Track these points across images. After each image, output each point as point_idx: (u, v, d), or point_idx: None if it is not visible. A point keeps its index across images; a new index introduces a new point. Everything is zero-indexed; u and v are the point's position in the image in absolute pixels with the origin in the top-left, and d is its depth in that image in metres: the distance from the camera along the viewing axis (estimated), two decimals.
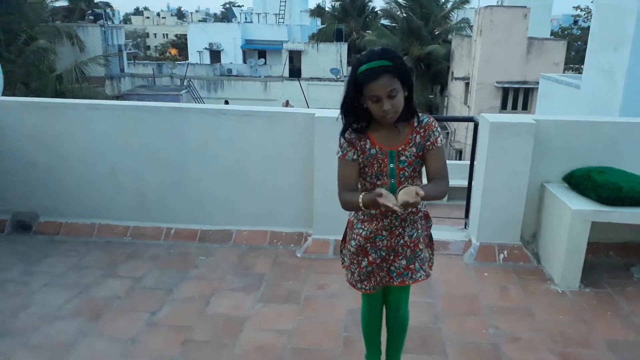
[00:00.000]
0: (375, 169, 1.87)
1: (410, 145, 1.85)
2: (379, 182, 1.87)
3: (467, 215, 3.93)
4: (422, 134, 1.86)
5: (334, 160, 3.44)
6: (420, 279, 2.03)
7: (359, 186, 1.94)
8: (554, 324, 2.80)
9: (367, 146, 1.86)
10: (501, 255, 3.49)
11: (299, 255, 3.60)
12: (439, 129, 1.89)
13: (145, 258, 3.53)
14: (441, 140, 1.88)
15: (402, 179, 1.85)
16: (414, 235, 1.97)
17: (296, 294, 3.08)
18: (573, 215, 3.04)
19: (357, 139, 1.87)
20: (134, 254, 3.59)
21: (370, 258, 1.98)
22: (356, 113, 1.85)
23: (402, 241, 1.97)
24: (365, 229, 1.96)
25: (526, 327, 2.76)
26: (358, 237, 1.98)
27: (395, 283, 2.03)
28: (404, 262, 1.99)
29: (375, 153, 1.85)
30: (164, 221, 3.85)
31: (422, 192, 1.61)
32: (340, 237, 3.62)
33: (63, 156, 3.81)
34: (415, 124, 1.86)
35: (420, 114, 1.88)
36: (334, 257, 3.54)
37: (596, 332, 2.73)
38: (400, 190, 1.68)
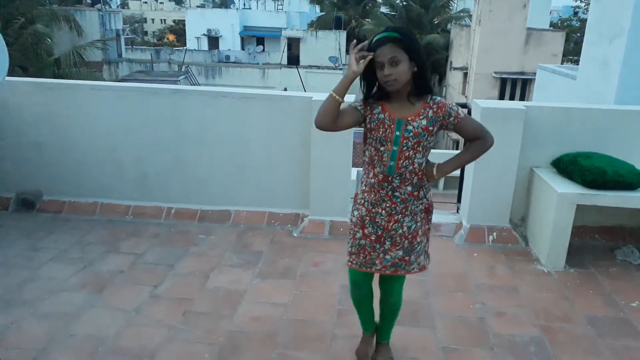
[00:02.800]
0: (381, 133, 1.96)
1: (421, 117, 1.95)
2: (382, 148, 1.97)
3: (459, 200, 4.05)
4: (434, 109, 1.96)
5: (330, 144, 3.55)
6: (412, 271, 2.12)
7: (365, 152, 2.06)
8: (538, 300, 2.93)
9: (377, 110, 1.98)
10: (490, 237, 3.61)
11: (295, 235, 3.72)
12: (454, 105, 2.00)
13: (147, 236, 3.64)
14: (462, 111, 1.98)
15: (404, 148, 1.95)
16: (412, 227, 2.06)
17: (292, 270, 3.21)
18: (559, 198, 3.17)
19: (371, 102, 2.00)
20: (136, 232, 3.70)
21: (366, 231, 2.08)
22: (373, 86, 1.98)
23: (400, 231, 2.05)
24: (366, 199, 2.07)
25: (511, 303, 2.90)
26: (361, 207, 2.09)
27: (387, 272, 2.11)
28: (400, 252, 2.07)
29: (383, 118, 1.96)
30: (165, 201, 3.96)
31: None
32: (335, 219, 3.76)
33: (67, 136, 3.90)
34: (428, 99, 1.97)
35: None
36: (330, 237, 3.67)
37: (577, 308, 2.87)
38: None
